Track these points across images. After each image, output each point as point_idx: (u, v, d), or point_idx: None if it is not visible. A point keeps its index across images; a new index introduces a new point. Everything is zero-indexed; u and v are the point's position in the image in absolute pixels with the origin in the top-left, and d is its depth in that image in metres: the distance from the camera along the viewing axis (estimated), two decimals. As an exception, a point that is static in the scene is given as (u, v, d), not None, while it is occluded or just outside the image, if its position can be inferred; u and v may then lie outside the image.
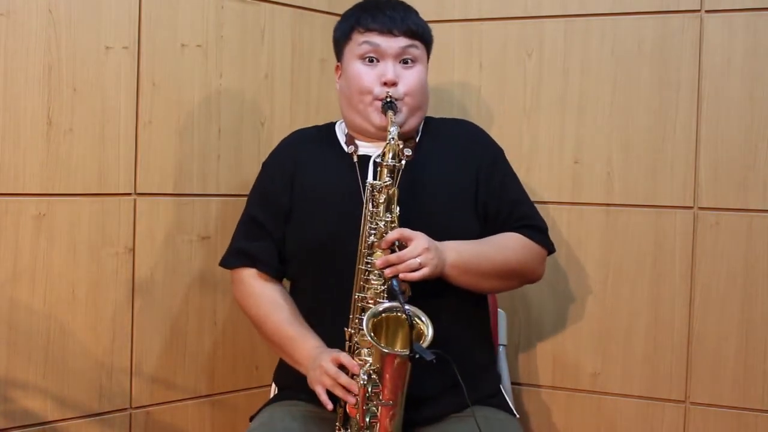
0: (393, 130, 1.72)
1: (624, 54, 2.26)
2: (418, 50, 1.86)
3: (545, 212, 2.20)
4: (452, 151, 1.90)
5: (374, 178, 1.75)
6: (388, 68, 1.82)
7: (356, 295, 1.70)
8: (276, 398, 1.91)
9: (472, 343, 1.86)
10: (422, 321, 1.62)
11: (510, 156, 1.98)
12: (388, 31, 1.83)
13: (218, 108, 2.20)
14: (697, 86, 2.20)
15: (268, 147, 2.28)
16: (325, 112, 2.39)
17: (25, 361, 1.93)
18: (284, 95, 2.32)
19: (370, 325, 1.61)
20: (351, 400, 1.62)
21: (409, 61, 1.85)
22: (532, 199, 1.97)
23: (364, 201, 1.72)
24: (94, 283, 2.02)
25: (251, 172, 2.24)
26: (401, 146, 1.73)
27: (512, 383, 2.04)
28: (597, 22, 2.29)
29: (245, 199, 1.97)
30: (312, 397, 1.76)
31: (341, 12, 1.89)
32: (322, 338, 1.79)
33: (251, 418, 1.89)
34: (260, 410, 1.89)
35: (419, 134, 1.92)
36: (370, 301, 1.67)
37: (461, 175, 1.87)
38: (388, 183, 1.69)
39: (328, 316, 1.79)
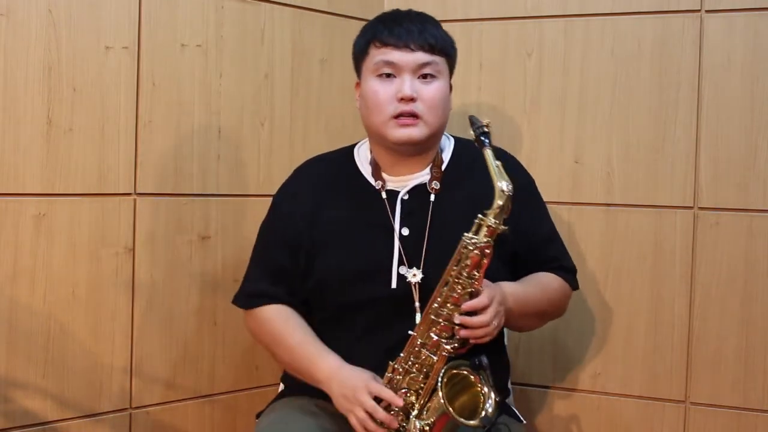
0: (504, 186, 1.60)
1: (624, 54, 2.26)
2: (438, 65, 1.78)
3: (545, 212, 2.20)
4: (480, 188, 1.69)
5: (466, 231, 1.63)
6: (405, 84, 1.75)
7: (419, 341, 1.65)
8: (284, 394, 1.90)
9: (492, 363, 1.85)
10: (490, 400, 1.63)
11: (510, 156, 1.97)
12: (404, 46, 1.75)
13: (218, 108, 2.20)
14: (697, 86, 2.20)
15: (268, 147, 2.29)
16: (326, 112, 2.39)
17: (25, 361, 1.93)
18: (284, 95, 2.32)
19: (443, 385, 1.60)
20: None
21: (428, 76, 1.77)
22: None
23: (456, 251, 1.63)
24: (94, 283, 2.02)
25: (251, 172, 2.25)
26: (510, 206, 1.61)
27: (512, 383, 2.04)
28: (597, 22, 2.29)
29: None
30: (320, 393, 1.75)
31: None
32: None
33: (258, 416, 1.89)
34: (268, 407, 1.88)
35: (445, 163, 1.85)
36: (430, 348, 1.64)
37: None
38: (485, 243, 1.61)
39: (354, 349, 1.76)
